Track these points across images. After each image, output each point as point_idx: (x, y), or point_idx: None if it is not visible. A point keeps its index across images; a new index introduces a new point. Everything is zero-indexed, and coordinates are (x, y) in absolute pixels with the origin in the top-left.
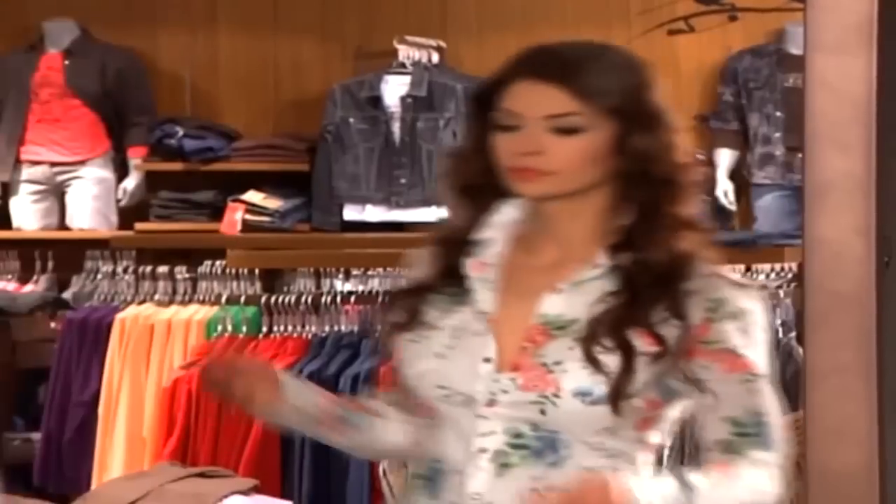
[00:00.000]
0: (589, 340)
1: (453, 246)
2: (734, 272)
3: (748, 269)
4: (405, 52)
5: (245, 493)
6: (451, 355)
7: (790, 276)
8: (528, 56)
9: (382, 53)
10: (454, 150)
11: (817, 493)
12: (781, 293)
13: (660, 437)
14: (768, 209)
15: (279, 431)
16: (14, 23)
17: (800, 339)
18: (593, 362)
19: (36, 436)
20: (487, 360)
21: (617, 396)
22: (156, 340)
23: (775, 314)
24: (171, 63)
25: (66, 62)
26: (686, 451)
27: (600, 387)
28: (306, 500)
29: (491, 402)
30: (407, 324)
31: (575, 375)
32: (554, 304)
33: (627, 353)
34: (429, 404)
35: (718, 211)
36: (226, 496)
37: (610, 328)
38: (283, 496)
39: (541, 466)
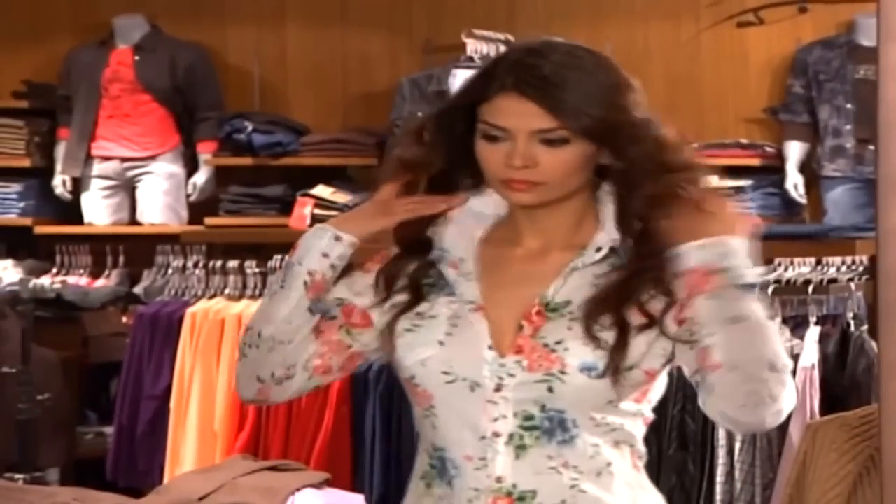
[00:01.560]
0: (588, 318)
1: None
2: (804, 265)
3: (819, 261)
4: (473, 46)
5: (317, 486)
6: (452, 342)
7: (861, 269)
8: (509, 67)
9: (450, 47)
10: (432, 160)
11: (893, 484)
12: (853, 286)
13: (650, 411)
14: (839, 202)
15: (350, 425)
16: (84, 19)
17: (872, 333)
18: (594, 340)
19: (108, 430)
20: (491, 346)
21: (615, 370)
22: (226, 334)
23: (846, 307)
24: (239, 58)
25: (136, 57)
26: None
27: (603, 361)
28: (377, 493)
29: (499, 387)
30: (408, 306)
31: (577, 352)
32: (549, 288)
33: (623, 329)
34: (430, 392)
35: (788, 203)
36: (298, 489)
37: (605, 307)
38: (355, 489)
39: (553, 445)
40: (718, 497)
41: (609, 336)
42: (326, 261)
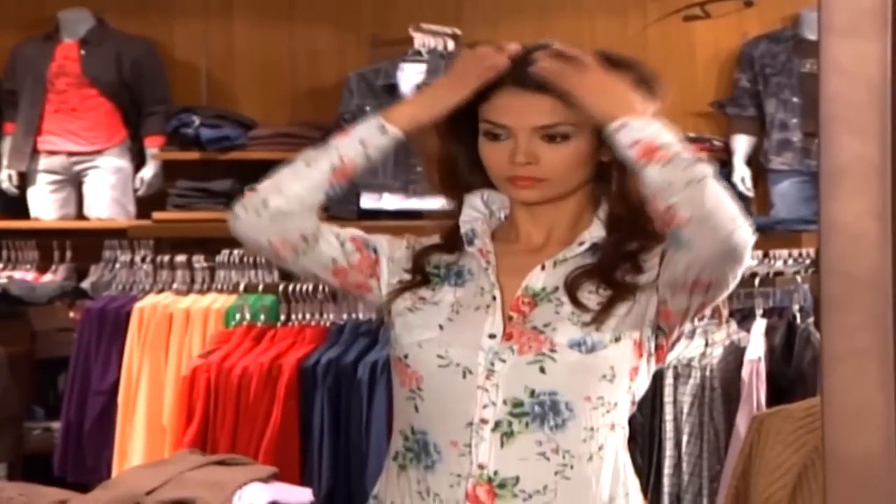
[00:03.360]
0: (571, 288)
1: (450, 231)
2: (751, 259)
3: (766, 254)
4: (421, 40)
5: (264, 480)
6: (451, 328)
7: (808, 261)
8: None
9: (398, 41)
10: (442, 155)
11: (835, 477)
12: (799, 279)
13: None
14: (786, 195)
15: (298, 419)
16: (30, 13)
17: (818, 325)
18: (578, 304)
19: (56, 425)
20: (492, 335)
21: (602, 318)
22: (174, 329)
23: (792, 300)
24: (186, 52)
25: (82, 52)
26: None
27: (592, 335)
28: (325, 487)
29: (490, 374)
30: (411, 283)
31: (565, 330)
32: (537, 279)
33: (607, 292)
34: (420, 374)
35: (735, 197)
36: (245, 484)
37: (587, 277)
38: (303, 484)
39: (544, 431)
40: (666, 489)
41: (593, 303)
42: (362, 149)
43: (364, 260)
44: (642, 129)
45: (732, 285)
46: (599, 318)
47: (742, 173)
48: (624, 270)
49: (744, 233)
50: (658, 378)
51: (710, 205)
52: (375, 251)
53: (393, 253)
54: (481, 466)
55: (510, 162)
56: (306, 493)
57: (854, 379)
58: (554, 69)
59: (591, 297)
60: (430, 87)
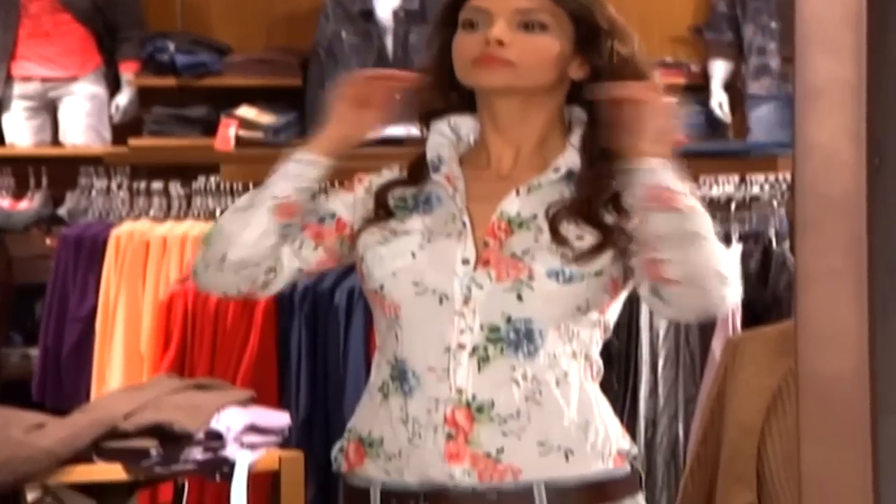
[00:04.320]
0: (553, 223)
1: (414, 162)
2: (727, 184)
3: (742, 179)
4: None
5: (242, 404)
6: (424, 255)
7: (784, 186)
8: None
9: None
10: (421, 79)
11: (808, 398)
12: (775, 204)
13: (609, 327)
14: (763, 120)
15: (276, 345)
16: None
17: (794, 250)
18: (561, 243)
19: (34, 351)
20: (466, 261)
21: (585, 258)
22: (151, 256)
23: (768, 225)
24: None
25: None
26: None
27: (570, 267)
28: (303, 414)
29: (467, 299)
30: (377, 218)
31: (544, 259)
32: (512, 204)
33: (592, 232)
34: (397, 303)
35: (713, 123)
36: (223, 407)
37: (571, 214)
38: (281, 411)
39: (518, 357)
40: (642, 413)
41: (575, 239)
42: (297, 184)
43: (330, 244)
44: (663, 176)
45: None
46: (581, 257)
47: (719, 99)
48: (607, 210)
49: (730, 302)
50: (634, 303)
51: (702, 270)
52: (332, 217)
53: (352, 203)
54: (459, 391)
55: (480, 43)
56: (284, 417)
57: (827, 299)
58: (628, 94)
59: (572, 234)
60: (335, 117)
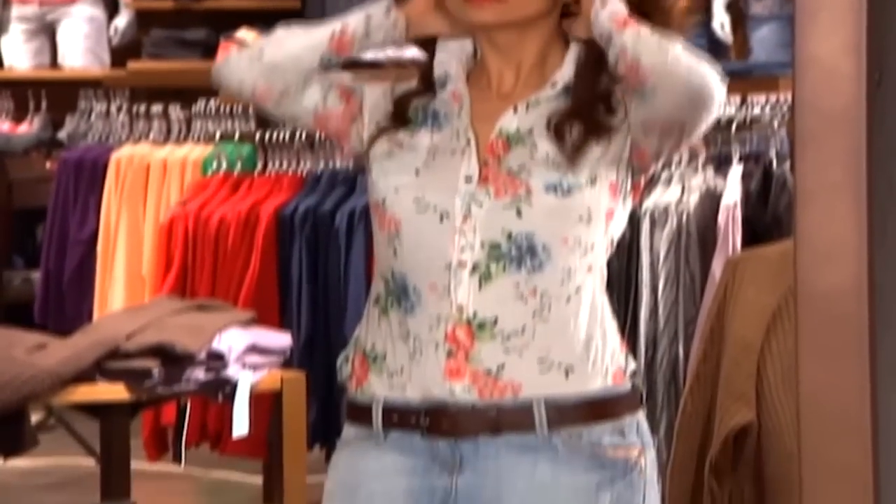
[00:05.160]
0: (548, 127)
1: (425, 73)
2: (728, 104)
3: (743, 100)
4: None
5: (244, 325)
6: (427, 172)
7: (785, 107)
8: None
9: None
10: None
11: (807, 313)
12: (776, 124)
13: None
14: (765, 41)
15: (277, 267)
16: None
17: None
18: (555, 141)
19: (35, 275)
20: (468, 178)
21: (576, 153)
22: (152, 180)
23: (769, 145)
24: None
25: None
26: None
27: (567, 178)
28: (305, 335)
29: (466, 217)
30: (389, 127)
31: (540, 174)
32: (511, 122)
33: (583, 131)
34: (398, 218)
35: (714, 43)
36: (225, 328)
37: (565, 120)
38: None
39: (522, 273)
40: (642, 335)
41: (569, 142)
42: (365, 22)
43: (347, 108)
44: (614, 6)
45: (704, 128)
46: (574, 157)
47: (721, 19)
48: (598, 110)
49: (709, 76)
50: (635, 224)
51: (673, 54)
52: (361, 99)
53: (376, 100)
54: (460, 308)
55: None
56: (285, 338)
57: (826, 214)
58: None
59: (568, 136)
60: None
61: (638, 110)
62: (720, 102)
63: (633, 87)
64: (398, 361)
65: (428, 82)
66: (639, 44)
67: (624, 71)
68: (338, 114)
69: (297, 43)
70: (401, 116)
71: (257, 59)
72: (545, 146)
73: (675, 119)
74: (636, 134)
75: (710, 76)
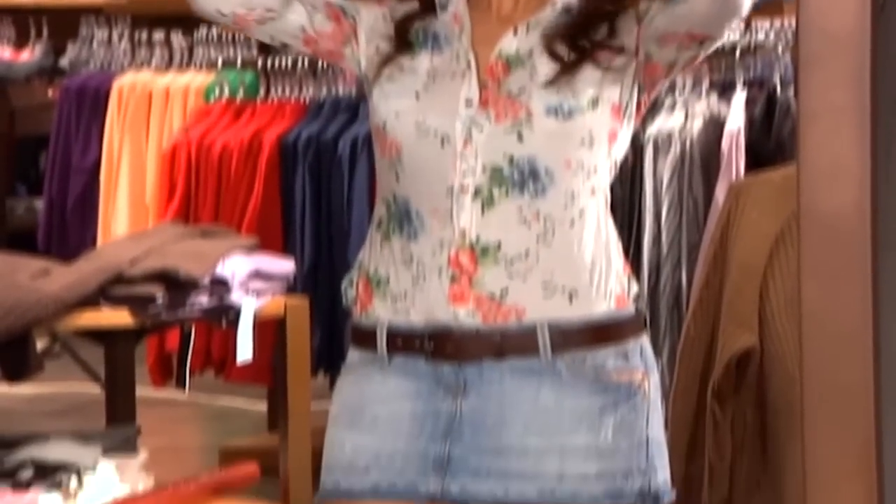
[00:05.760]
0: (544, 44)
1: (422, 1)
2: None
3: (747, 25)
4: None
5: (247, 251)
6: (427, 96)
7: (790, 33)
8: None
9: None
10: None
11: (809, 234)
12: (780, 49)
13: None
14: None
15: (280, 194)
16: None
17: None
18: (555, 56)
19: (39, 203)
20: (469, 101)
21: (573, 73)
22: (154, 107)
23: (773, 71)
24: None
25: None
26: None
27: (568, 100)
28: (308, 262)
29: (467, 141)
30: (390, 49)
31: (540, 95)
32: (510, 44)
33: (583, 47)
34: (399, 142)
35: None
36: (228, 254)
37: (563, 38)
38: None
39: (525, 198)
40: (646, 261)
41: (567, 60)
42: None
43: (338, 29)
44: None
45: (723, 38)
46: (572, 77)
47: None
48: (599, 30)
49: None
50: (638, 150)
51: None
52: (354, 20)
53: (373, 22)
54: (463, 233)
55: None
56: (288, 264)
57: (830, 136)
58: None
59: (566, 57)
60: None
61: (661, 17)
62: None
63: None
64: (402, 286)
65: (428, 3)
66: None
67: None
68: (327, 34)
69: None
70: (402, 39)
71: None
72: (545, 68)
73: (702, 25)
74: (650, 47)
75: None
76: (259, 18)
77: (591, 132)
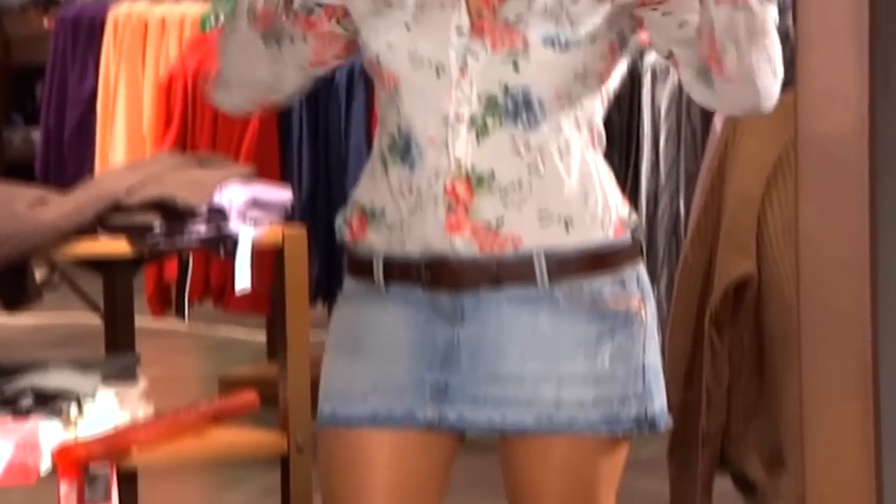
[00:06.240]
0: None
1: None
2: None
3: None
4: None
5: (244, 179)
6: (418, 26)
7: None
8: None
9: None
10: None
11: (807, 157)
12: None
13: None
14: None
15: (277, 124)
16: None
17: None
18: None
19: (36, 133)
20: (460, 29)
21: (578, 41)
22: (150, 37)
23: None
24: None
25: None
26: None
27: (566, 32)
28: (306, 192)
29: (463, 70)
30: None
31: (538, 25)
32: None
33: None
34: (395, 74)
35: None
36: (225, 182)
37: None
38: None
39: (518, 128)
40: (643, 190)
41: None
42: None
43: (323, 29)
44: None
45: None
46: (572, 1)
47: None
48: None
49: (776, 99)
50: (636, 80)
51: (762, 68)
52: (325, 7)
53: None
54: (458, 162)
55: None
56: (285, 193)
57: (828, 59)
58: None
59: None
60: None
61: (682, 69)
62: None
63: (705, 63)
64: (397, 216)
65: None
66: (730, 31)
67: (704, 50)
68: (314, 45)
69: (239, 59)
70: None
71: (227, 88)
72: None
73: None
74: (653, 40)
75: (775, 88)
76: (270, 89)
77: (585, 66)
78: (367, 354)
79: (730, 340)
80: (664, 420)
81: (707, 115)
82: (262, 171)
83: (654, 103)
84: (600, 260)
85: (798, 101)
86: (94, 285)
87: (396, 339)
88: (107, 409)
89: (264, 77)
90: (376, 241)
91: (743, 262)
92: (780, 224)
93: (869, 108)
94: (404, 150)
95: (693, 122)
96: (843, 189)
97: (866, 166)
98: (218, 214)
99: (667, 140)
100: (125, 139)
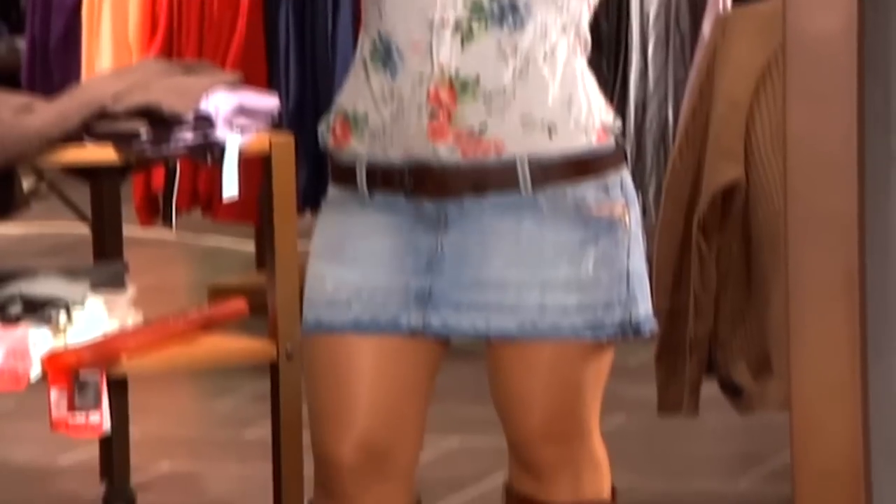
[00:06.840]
0: None
1: None
2: None
3: None
4: None
5: (230, 86)
6: None
7: None
8: None
9: None
10: None
11: (796, 56)
12: None
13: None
14: None
15: (263, 30)
16: None
17: None
18: None
19: (21, 43)
20: None
21: None
22: None
23: None
24: None
25: None
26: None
27: None
28: (293, 100)
29: None
30: None
31: None
32: None
33: None
34: None
35: None
36: (212, 89)
37: None
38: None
39: (505, 32)
40: (632, 97)
41: None
42: None
43: None
44: None
45: None
46: None
47: None
48: None
49: None
50: None
51: None
52: None
53: None
54: (441, 67)
55: None
56: (272, 100)
57: None
58: None
59: None
60: None
61: None
62: None
63: None
64: (380, 123)
65: None
66: None
67: None
68: None
69: None
70: None
71: None
72: None
73: None
74: None
75: None
76: None
77: None
78: (351, 262)
79: (717, 246)
80: (649, 325)
81: (696, 22)
82: (249, 80)
83: (643, 9)
84: (584, 166)
85: (786, 1)
86: (81, 195)
87: (380, 245)
88: (96, 317)
89: None
90: (359, 148)
91: (731, 168)
92: (768, 129)
93: (858, 8)
94: (385, 55)
95: (682, 28)
96: (832, 89)
97: (855, 66)
98: (205, 122)
99: (655, 47)
100: (111, 47)
